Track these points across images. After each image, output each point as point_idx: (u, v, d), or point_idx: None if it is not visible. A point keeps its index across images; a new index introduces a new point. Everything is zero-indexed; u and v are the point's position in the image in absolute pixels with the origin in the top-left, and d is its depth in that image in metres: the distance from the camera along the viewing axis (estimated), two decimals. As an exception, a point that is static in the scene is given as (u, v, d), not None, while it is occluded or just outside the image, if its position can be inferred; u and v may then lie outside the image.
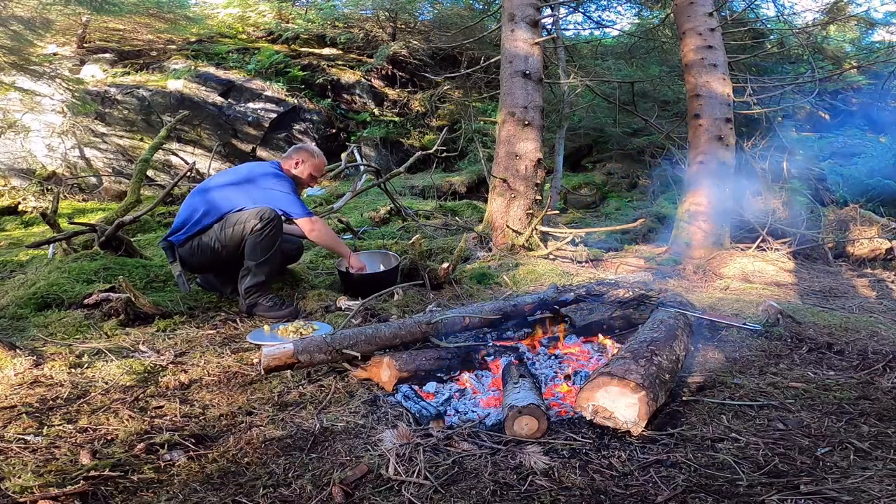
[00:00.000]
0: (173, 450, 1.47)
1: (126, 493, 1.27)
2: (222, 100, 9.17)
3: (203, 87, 9.16)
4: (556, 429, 1.59)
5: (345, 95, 10.40)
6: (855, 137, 9.12)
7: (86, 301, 2.69)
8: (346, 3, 10.99)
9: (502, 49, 4.55)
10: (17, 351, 2.02)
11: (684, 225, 4.56)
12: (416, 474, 1.34)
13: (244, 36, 10.86)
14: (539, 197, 4.46)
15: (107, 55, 9.62)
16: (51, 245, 3.65)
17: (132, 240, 3.80)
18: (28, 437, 1.50)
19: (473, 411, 1.75)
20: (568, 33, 10.01)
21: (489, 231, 4.45)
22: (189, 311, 2.77)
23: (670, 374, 1.75)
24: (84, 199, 8.65)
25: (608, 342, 2.32)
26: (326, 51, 10.80)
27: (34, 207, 7.53)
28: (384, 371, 1.92)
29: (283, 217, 2.83)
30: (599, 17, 9.34)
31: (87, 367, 2.00)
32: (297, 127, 9.50)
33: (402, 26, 11.04)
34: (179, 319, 2.63)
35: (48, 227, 3.78)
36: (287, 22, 10.98)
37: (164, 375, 1.96)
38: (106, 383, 1.87)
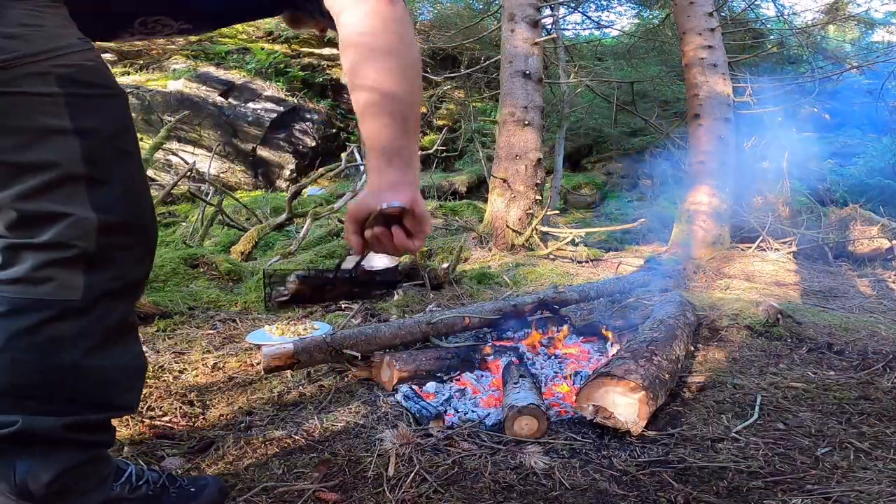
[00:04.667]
0: (173, 450, 1.47)
1: (126, 493, 1.27)
2: (222, 100, 9.17)
3: (203, 87, 9.16)
4: (556, 429, 1.59)
5: (345, 95, 10.39)
6: (855, 137, 9.11)
7: (86, 301, 2.68)
8: (346, 3, 10.96)
9: (502, 49, 4.55)
10: (17, 351, 2.01)
11: (684, 225, 4.56)
12: (415, 474, 1.33)
13: (244, 36, 10.86)
14: (539, 197, 4.47)
15: (107, 55, 9.62)
16: (51, 245, 3.66)
17: (132, 240, 3.80)
18: (28, 437, 1.50)
19: (473, 411, 1.75)
20: (568, 33, 10.02)
21: (489, 231, 4.45)
22: (189, 310, 2.77)
23: (670, 374, 1.75)
24: (84, 199, 8.63)
25: (609, 334, 2.32)
26: (326, 51, 10.80)
27: (34, 207, 7.52)
28: (384, 371, 1.92)
29: None
30: (599, 17, 9.35)
31: (86, 367, 2.00)
32: (297, 126, 9.50)
33: (402, 26, 11.02)
34: (179, 319, 2.63)
35: (48, 226, 3.78)
36: (287, 22, 10.98)
37: (164, 375, 1.96)
38: (106, 383, 1.87)
